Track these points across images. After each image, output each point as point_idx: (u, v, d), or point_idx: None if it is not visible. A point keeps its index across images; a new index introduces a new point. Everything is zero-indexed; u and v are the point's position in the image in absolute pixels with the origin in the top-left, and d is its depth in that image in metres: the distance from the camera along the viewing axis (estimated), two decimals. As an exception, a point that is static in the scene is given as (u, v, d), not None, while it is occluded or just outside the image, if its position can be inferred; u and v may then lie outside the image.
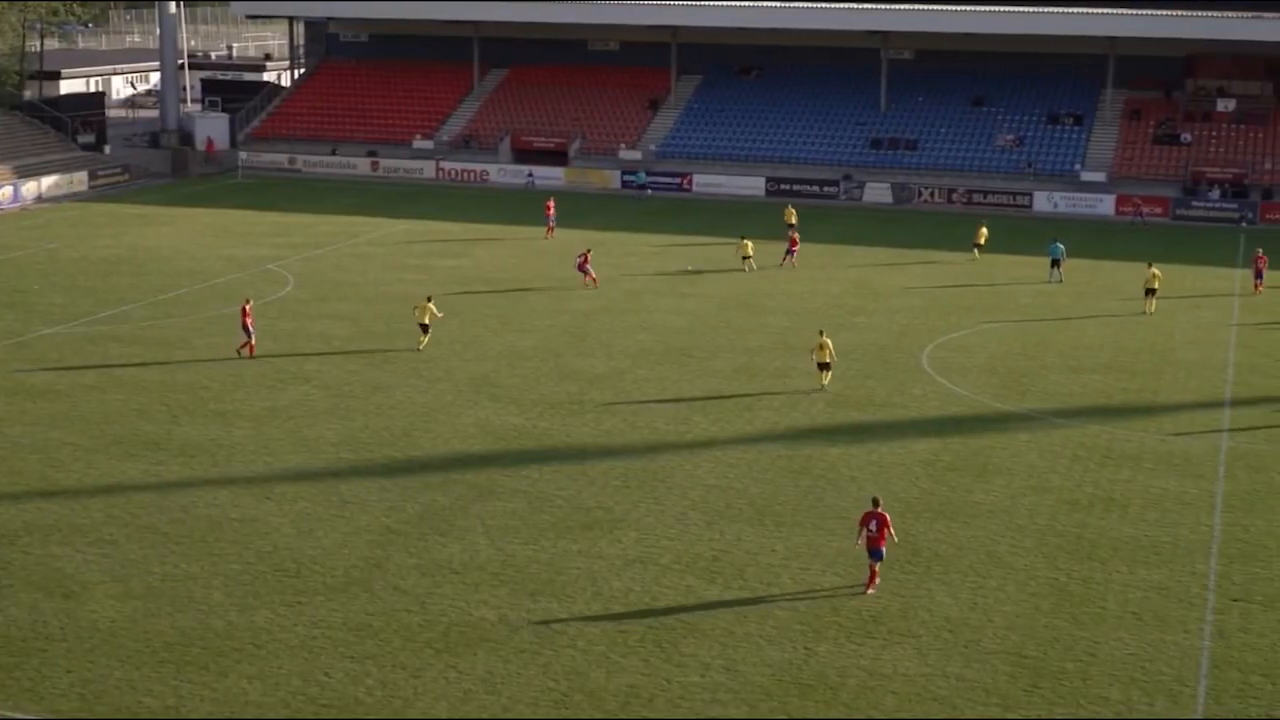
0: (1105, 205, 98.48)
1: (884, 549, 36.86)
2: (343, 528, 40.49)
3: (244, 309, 57.70)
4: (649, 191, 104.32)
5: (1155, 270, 69.28)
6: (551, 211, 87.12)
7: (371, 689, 31.46)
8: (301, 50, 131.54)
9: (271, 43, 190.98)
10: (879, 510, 36.88)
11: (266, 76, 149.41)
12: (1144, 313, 67.94)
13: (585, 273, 72.19)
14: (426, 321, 59.45)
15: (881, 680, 32.36)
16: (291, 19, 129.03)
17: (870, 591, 36.64)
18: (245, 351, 57.50)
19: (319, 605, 35.48)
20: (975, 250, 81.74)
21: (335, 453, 46.83)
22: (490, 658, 32.95)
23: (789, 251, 78.28)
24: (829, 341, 54.75)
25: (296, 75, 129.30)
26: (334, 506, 42.08)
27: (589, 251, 73.80)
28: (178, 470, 44.91)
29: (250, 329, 57.47)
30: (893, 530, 37.16)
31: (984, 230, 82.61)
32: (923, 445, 48.61)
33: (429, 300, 60.59)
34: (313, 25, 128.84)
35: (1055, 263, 75.30)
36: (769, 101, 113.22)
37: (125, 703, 30.57)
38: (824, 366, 54.56)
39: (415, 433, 49.01)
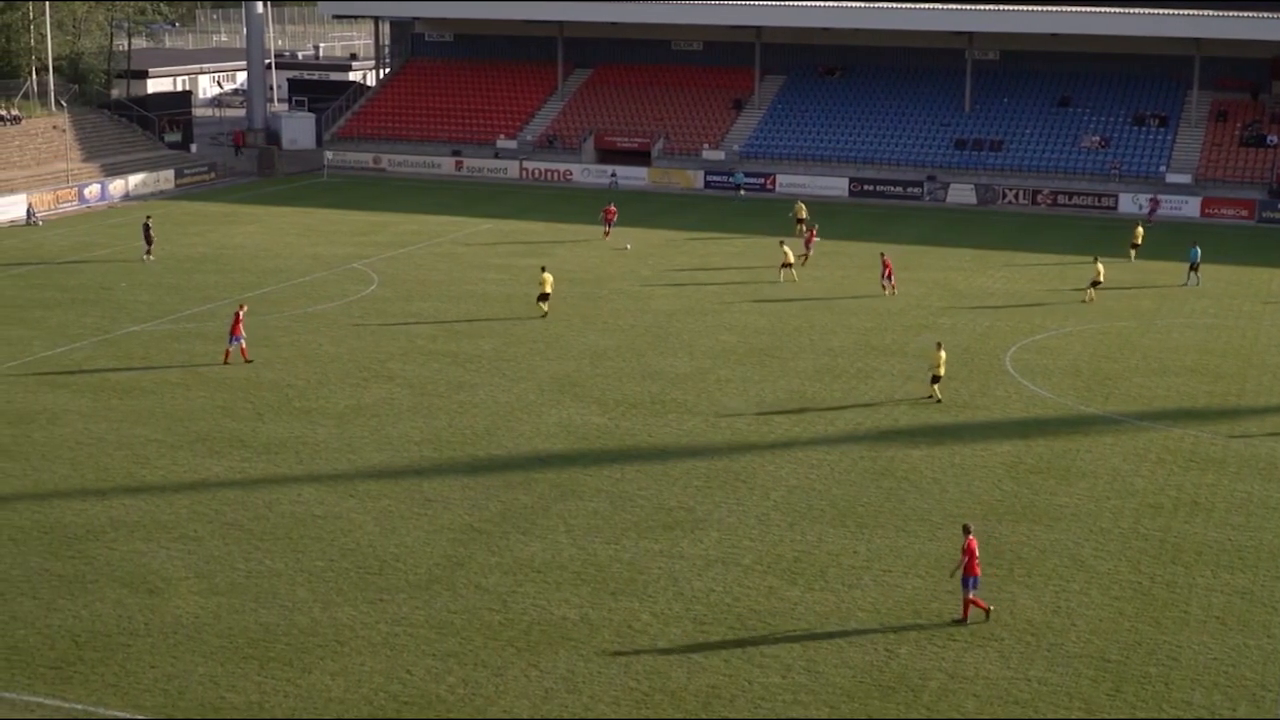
0: (1191, 207, 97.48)
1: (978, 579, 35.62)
2: (425, 526, 40.68)
3: (237, 314, 56.82)
4: (743, 192, 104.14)
5: (1100, 265, 70.22)
6: (613, 216, 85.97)
7: (453, 687, 31.59)
8: (387, 50, 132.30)
9: (357, 42, 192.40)
10: (971, 539, 35.49)
11: (352, 76, 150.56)
12: (1085, 301, 69.62)
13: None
14: (547, 290, 64.61)
15: (963, 683, 32.18)
16: (377, 19, 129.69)
17: (989, 610, 35.37)
18: (236, 357, 56.44)
19: (401, 603, 35.66)
20: (1133, 252, 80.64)
21: (418, 451, 47.05)
22: (571, 657, 33.01)
23: (806, 245, 79.46)
24: (943, 354, 53.38)
25: (382, 75, 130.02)
26: (417, 504, 42.29)
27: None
28: (262, 467, 45.27)
29: (240, 335, 56.13)
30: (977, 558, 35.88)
31: (1140, 230, 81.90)
32: (1006, 447, 48.30)
33: (543, 270, 66.00)
34: (398, 25, 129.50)
35: (1194, 266, 74.89)
36: (853, 102, 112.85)
37: (208, 698, 30.83)
38: (937, 379, 53.23)
39: (498, 431, 49.17)
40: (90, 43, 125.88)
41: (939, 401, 52.95)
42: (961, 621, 35.24)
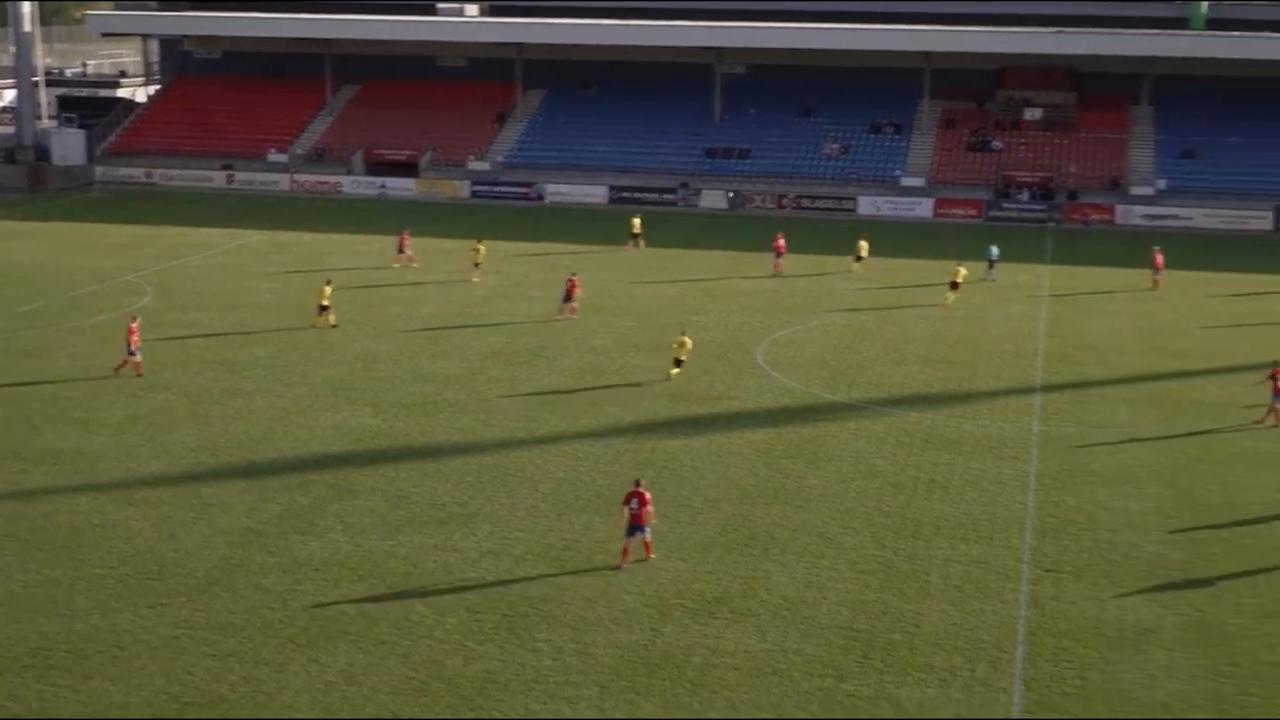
0: (924, 208, 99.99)
1: (646, 525, 37.61)
2: (204, 529, 39.84)
3: (130, 328, 55.27)
4: (546, 200, 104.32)
5: (961, 268, 71.72)
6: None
7: (235, 685, 31.00)
8: (156, 67, 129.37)
9: (126, 59, 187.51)
10: (640, 489, 37.77)
11: (121, 93, 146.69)
12: (943, 304, 70.14)
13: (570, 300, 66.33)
14: (325, 302, 63.20)
15: (724, 657, 32.53)
16: (145, 36, 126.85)
17: (625, 564, 37.40)
18: (131, 369, 55.11)
19: (181, 606, 34.88)
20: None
21: (195, 457, 46.06)
22: (351, 650, 32.64)
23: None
24: (688, 340, 55.82)
25: (152, 92, 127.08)
26: (195, 509, 41.39)
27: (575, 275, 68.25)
28: (39, 478, 43.88)
29: (134, 348, 54.88)
30: (651, 508, 37.97)
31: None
32: (759, 435, 48.95)
33: (328, 284, 64.49)
34: (167, 43, 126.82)
35: (991, 264, 77.01)
36: (610, 114, 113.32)
37: (-9, 705, 29.90)
38: (678, 362, 55.46)
39: (274, 436, 48.38)
40: None
41: (668, 379, 54.46)
42: (639, 561, 37.40)
